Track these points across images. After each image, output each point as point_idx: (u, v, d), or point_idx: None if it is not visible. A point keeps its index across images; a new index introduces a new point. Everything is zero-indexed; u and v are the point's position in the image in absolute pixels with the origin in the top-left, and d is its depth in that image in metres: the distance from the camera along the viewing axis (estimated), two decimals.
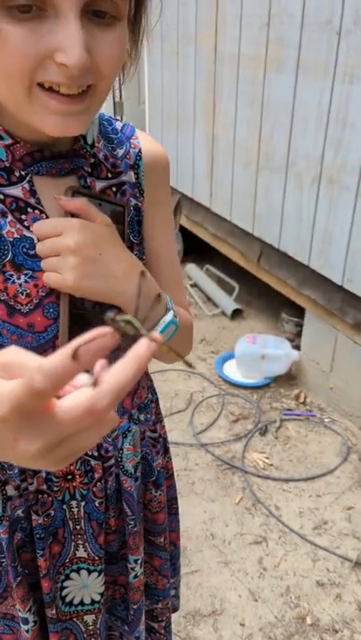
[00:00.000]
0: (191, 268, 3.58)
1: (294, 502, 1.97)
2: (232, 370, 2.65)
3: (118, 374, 0.35)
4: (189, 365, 0.48)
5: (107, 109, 4.07)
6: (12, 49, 0.51)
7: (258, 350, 2.53)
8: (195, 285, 3.48)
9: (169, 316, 0.70)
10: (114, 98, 4.33)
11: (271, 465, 2.13)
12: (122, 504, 0.82)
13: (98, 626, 0.83)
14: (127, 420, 0.81)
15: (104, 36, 0.55)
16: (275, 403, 2.47)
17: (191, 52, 2.95)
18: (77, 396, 0.36)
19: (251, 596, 1.65)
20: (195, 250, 3.60)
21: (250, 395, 2.52)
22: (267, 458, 2.15)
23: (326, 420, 2.37)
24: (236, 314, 3.14)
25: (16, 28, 0.50)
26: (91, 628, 0.83)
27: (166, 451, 0.94)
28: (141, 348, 0.36)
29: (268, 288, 2.78)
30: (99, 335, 0.34)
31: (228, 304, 3.16)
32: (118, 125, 0.76)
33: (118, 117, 4.58)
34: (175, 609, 1.06)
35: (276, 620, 1.59)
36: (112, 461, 0.79)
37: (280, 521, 1.89)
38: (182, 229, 3.57)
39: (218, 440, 2.24)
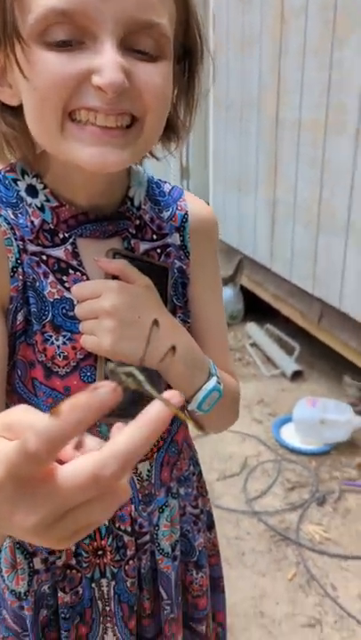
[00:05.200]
0: (251, 327, 3.55)
1: (353, 583, 1.81)
2: (290, 434, 2.55)
3: (128, 438, 0.32)
4: (201, 428, 0.43)
5: (174, 174, 4.23)
6: (49, 72, 0.51)
7: (317, 414, 2.42)
8: (254, 345, 3.43)
9: (212, 383, 0.68)
10: (181, 163, 4.51)
11: (329, 539, 1.98)
12: (157, 585, 0.76)
13: None
14: (165, 493, 0.75)
15: (145, 66, 0.54)
16: (334, 472, 2.33)
17: (253, 117, 3.04)
18: (81, 462, 0.32)
19: None
20: (255, 309, 3.58)
21: (308, 461, 2.40)
22: (324, 531, 2.02)
23: None
24: (297, 375, 3.06)
25: (53, 54, 0.51)
26: None
27: (211, 526, 0.87)
28: (153, 410, 0.32)
29: (331, 349, 2.69)
30: (94, 389, 0.30)
31: (289, 365, 3.08)
32: (167, 188, 0.75)
33: (185, 181, 4.75)
34: None
35: None
36: (147, 538, 0.74)
37: (337, 603, 1.74)
38: (243, 289, 3.58)
39: (272, 509, 2.13)
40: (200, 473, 0.85)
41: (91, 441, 0.35)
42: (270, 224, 3.01)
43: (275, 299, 3.12)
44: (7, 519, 0.33)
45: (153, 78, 0.54)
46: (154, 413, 0.32)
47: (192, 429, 0.78)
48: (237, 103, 3.21)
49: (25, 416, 0.35)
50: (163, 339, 0.64)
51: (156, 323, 0.61)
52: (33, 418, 0.34)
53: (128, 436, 0.32)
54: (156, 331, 0.62)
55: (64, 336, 0.64)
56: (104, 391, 0.30)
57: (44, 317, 0.63)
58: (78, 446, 0.32)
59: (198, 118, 0.68)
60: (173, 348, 0.63)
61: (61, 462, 0.33)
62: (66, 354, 0.64)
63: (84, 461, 0.32)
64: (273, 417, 2.72)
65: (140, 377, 0.35)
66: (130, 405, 0.36)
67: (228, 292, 3.53)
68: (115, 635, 0.73)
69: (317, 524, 2.06)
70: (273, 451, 2.47)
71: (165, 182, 0.76)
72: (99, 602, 0.73)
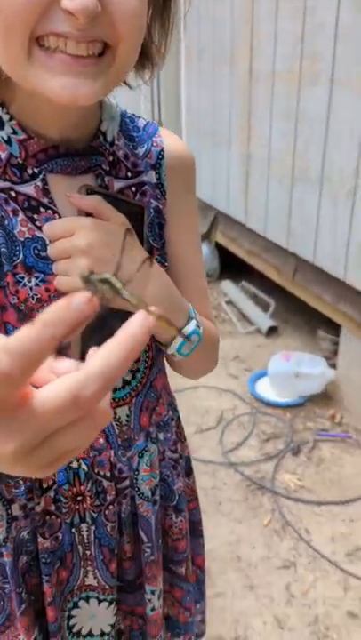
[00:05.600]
0: (227, 285, 3.55)
1: (326, 527, 1.88)
2: (265, 388, 2.59)
3: (107, 356, 0.30)
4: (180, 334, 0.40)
5: None
6: None
7: (291, 368, 2.46)
8: (230, 302, 3.44)
9: (191, 326, 0.66)
10: (153, 118, 4.39)
11: (303, 487, 2.05)
12: (138, 529, 0.76)
13: None
14: (144, 438, 0.75)
15: None
16: (308, 423, 2.39)
17: (226, 70, 2.96)
18: (59, 384, 0.30)
19: (277, 624, 1.58)
20: (230, 266, 3.58)
21: (283, 414, 2.45)
22: (298, 479, 2.08)
23: None
24: (272, 331, 3.08)
25: None
26: None
27: (190, 472, 0.88)
28: (134, 323, 0.30)
29: (305, 305, 2.72)
30: (70, 300, 0.28)
31: (264, 321, 3.10)
32: (141, 123, 0.71)
33: None
34: (202, 633, 0.98)
35: None
36: (126, 483, 0.74)
37: (310, 546, 1.80)
38: (218, 246, 3.56)
39: (248, 459, 2.18)
40: (179, 418, 0.85)
41: (68, 362, 0.34)
42: (245, 178, 2.97)
43: (249, 254, 3.12)
44: None
45: (127, 3, 0.50)
46: (133, 329, 0.30)
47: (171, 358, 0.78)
48: (209, 53, 3.12)
49: None
50: (138, 249, 0.61)
51: (129, 232, 0.58)
52: (5, 340, 0.32)
53: (107, 354, 0.30)
54: (130, 238, 0.58)
55: (37, 277, 0.61)
56: (78, 302, 0.28)
57: (14, 258, 0.60)
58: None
59: (170, 71, 0.65)
60: (150, 260, 0.60)
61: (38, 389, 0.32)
62: (39, 296, 0.61)
63: (63, 383, 0.30)
64: (249, 372, 2.75)
65: (117, 284, 0.32)
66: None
67: (204, 250, 3.50)
68: (95, 577, 0.74)
69: (292, 472, 2.12)
70: (248, 404, 2.51)
71: (139, 117, 0.72)
72: (79, 546, 0.73)
